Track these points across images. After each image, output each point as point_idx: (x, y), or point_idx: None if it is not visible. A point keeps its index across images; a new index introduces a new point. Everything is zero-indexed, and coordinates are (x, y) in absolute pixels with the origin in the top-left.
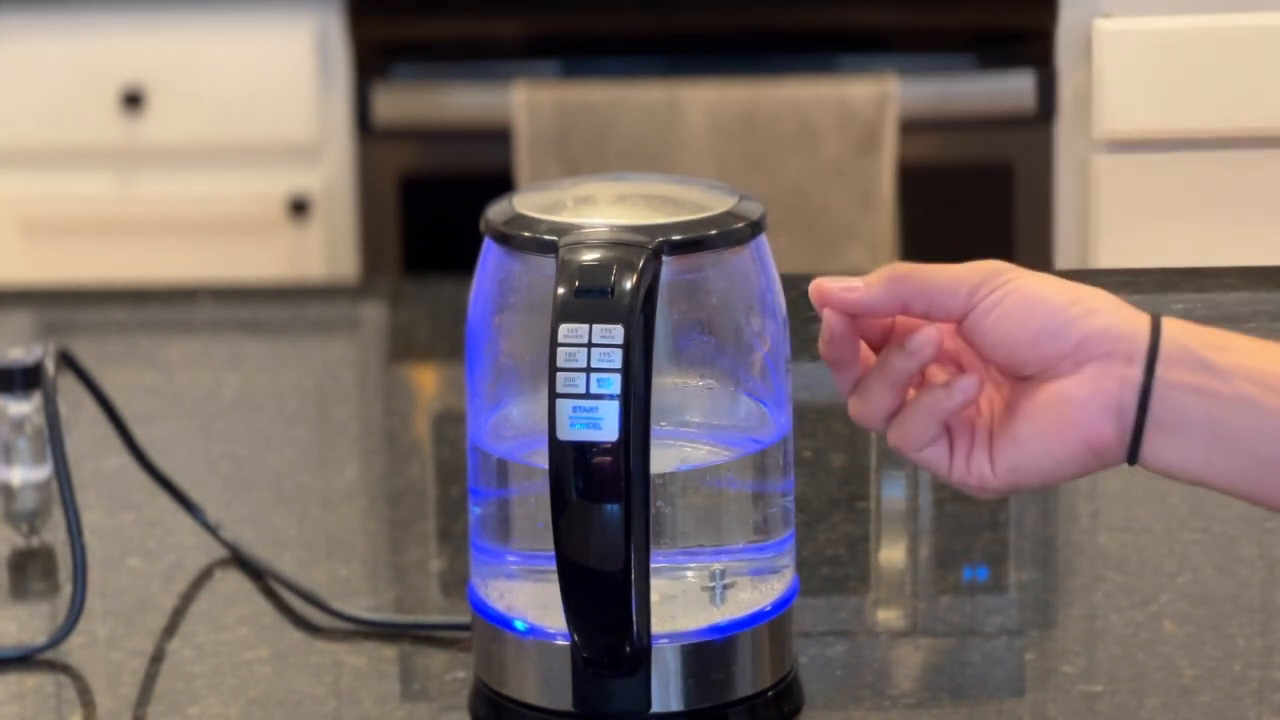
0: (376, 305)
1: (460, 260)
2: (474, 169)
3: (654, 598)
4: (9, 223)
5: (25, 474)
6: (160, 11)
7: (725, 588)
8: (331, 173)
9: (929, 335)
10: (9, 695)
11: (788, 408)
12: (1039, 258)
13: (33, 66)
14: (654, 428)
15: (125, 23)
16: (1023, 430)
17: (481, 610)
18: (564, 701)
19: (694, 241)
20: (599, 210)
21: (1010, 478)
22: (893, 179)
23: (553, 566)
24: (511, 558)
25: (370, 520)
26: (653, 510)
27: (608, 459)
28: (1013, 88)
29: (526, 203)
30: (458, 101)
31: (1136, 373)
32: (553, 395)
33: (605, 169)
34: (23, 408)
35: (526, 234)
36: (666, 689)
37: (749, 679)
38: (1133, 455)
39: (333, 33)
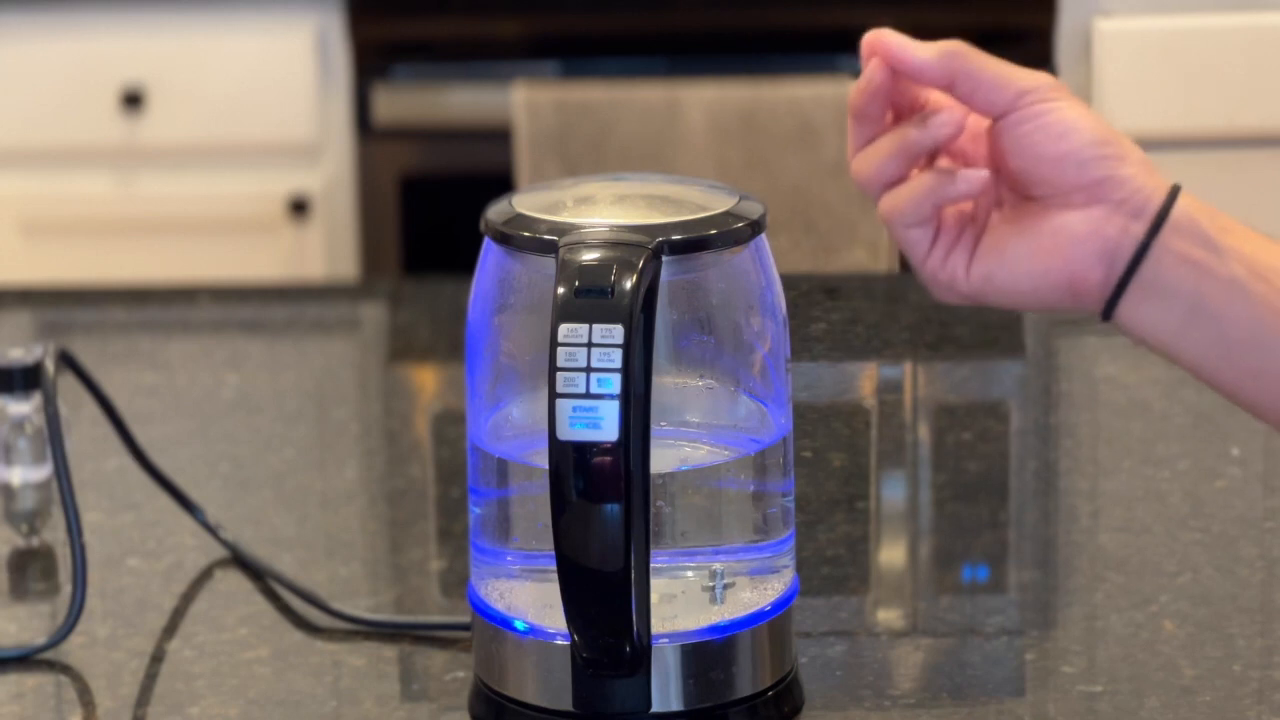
0: (376, 305)
1: (460, 260)
2: (474, 169)
3: (654, 598)
4: (9, 223)
5: (25, 474)
6: (160, 11)
7: (725, 588)
8: (331, 173)
9: (953, 116)
10: (9, 695)
11: (788, 408)
12: None
13: (33, 66)
14: (654, 428)
15: (125, 23)
16: (1013, 245)
17: (481, 610)
18: (564, 701)
19: (694, 241)
20: (599, 210)
21: (981, 286)
22: None
23: (553, 566)
24: (511, 558)
25: (370, 520)
26: (653, 510)
27: (608, 459)
28: None
29: (526, 203)
30: (458, 101)
31: (1140, 229)
32: (553, 395)
33: (605, 169)
34: (23, 408)
35: (526, 234)
36: (666, 689)
37: (749, 679)
38: (1109, 309)
39: (333, 33)
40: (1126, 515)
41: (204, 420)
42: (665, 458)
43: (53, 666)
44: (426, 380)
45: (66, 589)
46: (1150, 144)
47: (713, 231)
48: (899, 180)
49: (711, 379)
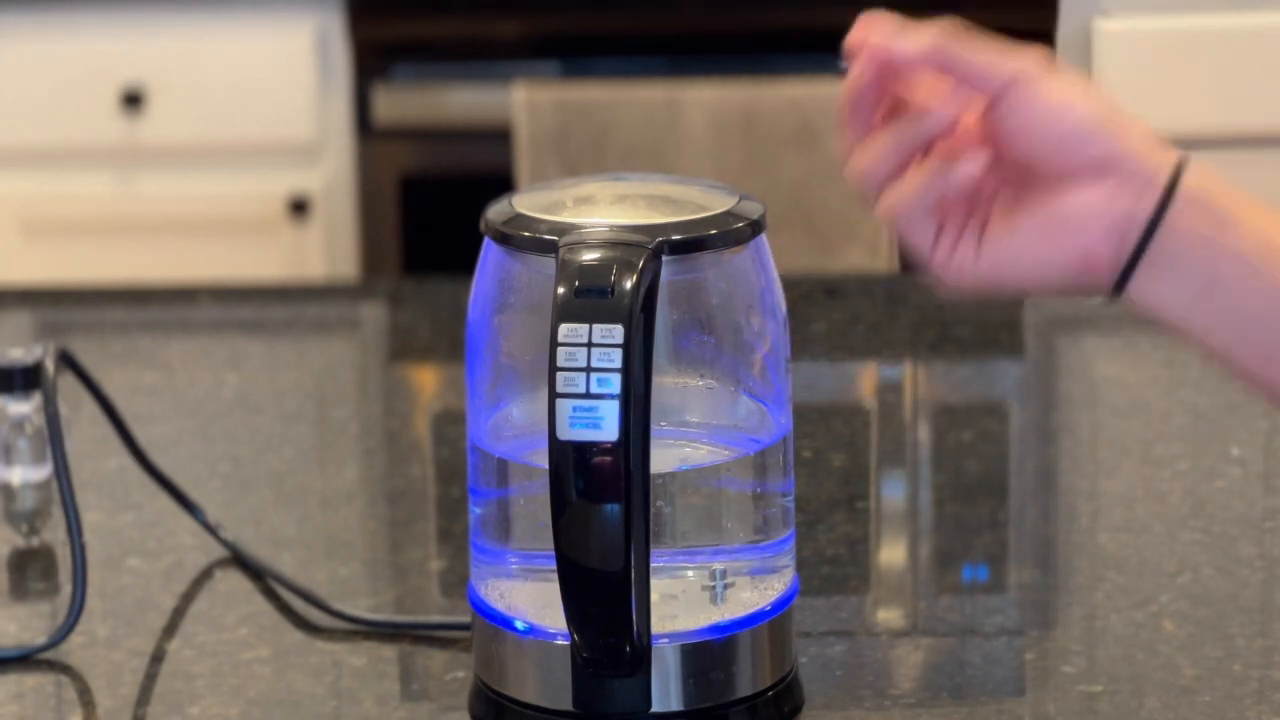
0: (376, 305)
1: (460, 260)
2: (474, 169)
3: (654, 598)
4: (9, 223)
5: (25, 474)
6: (160, 11)
7: (725, 587)
8: (331, 173)
9: (944, 112)
10: (9, 695)
11: (788, 408)
12: None
13: (33, 66)
14: (654, 428)
15: (125, 23)
16: (1021, 228)
17: (481, 610)
18: (564, 701)
19: (694, 241)
20: (599, 210)
21: (991, 272)
22: None
23: (553, 566)
24: (511, 558)
25: (370, 520)
26: (653, 510)
27: (608, 459)
28: None
29: (526, 203)
30: (458, 101)
31: (1149, 204)
32: (553, 395)
33: (605, 169)
34: (23, 408)
35: (526, 234)
36: (666, 689)
37: (749, 679)
38: (1120, 284)
39: (333, 33)
40: (1126, 515)
41: (204, 420)
42: (665, 458)
43: (53, 666)
44: (426, 380)
45: (66, 589)
46: None
47: (713, 231)
48: (897, 176)
49: (711, 379)
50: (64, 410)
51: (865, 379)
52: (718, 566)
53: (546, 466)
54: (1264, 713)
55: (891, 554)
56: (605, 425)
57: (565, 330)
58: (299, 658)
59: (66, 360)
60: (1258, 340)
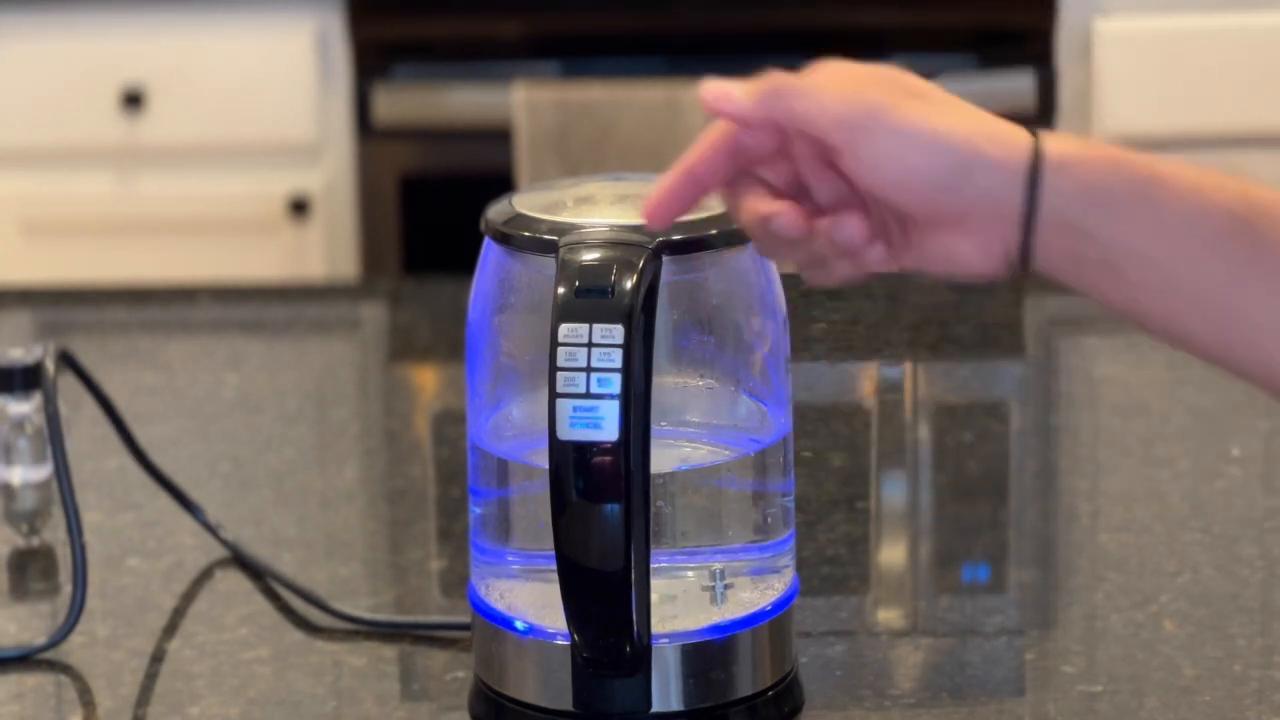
0: (376, 305)
1: (460, 260)
2: (474, 169)
3: (654, 598)
4: (9, 223)
5: (25, 474)
6: (160, 11)
7: (725, 588)
8: (331, 173)
9: (789, 219)
10: (9, 695)
11: (788, 408)
12: None
13: (33, 66)
14: (654, 428)
15: (125, 23)
16: (921, 261)
17: (481, 610)
18: (564, 701)
19: (694, 241)
20: (599, 210)
21: (909, 266)
22: None
23: (553, 566)
24: (511, 558)
25: (370, 520)
26: (653, 510)
27: (608, 459)
28: (1013, 88)
29: (526, 203)
30: (458, 101)
31: (1018, 234)
32: (553, 395)
33: (605, 169)
34: (23, 408)
35: (526, 234)
36: (666, 689)
37: (749, 679)
38: (1025, 269)
39: (333, 33)
40: (1126, 515)
41: (204, 420)
42: (665, 458)
43: (53, 666)
44: (426, 380)
45: (66, 589)
46: (1150, 144)
47: (713, 231)
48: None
49: (712, 379)
50: (64, 410)
51: (865, 379)
52: (718, 566)
53: (546, 466)
54: (1264, 713)
55: (891, 554)
56: (605, 425)
57: (565, 330)
58: (299, 658)
59: (66, 360)
60: (1167, 308)
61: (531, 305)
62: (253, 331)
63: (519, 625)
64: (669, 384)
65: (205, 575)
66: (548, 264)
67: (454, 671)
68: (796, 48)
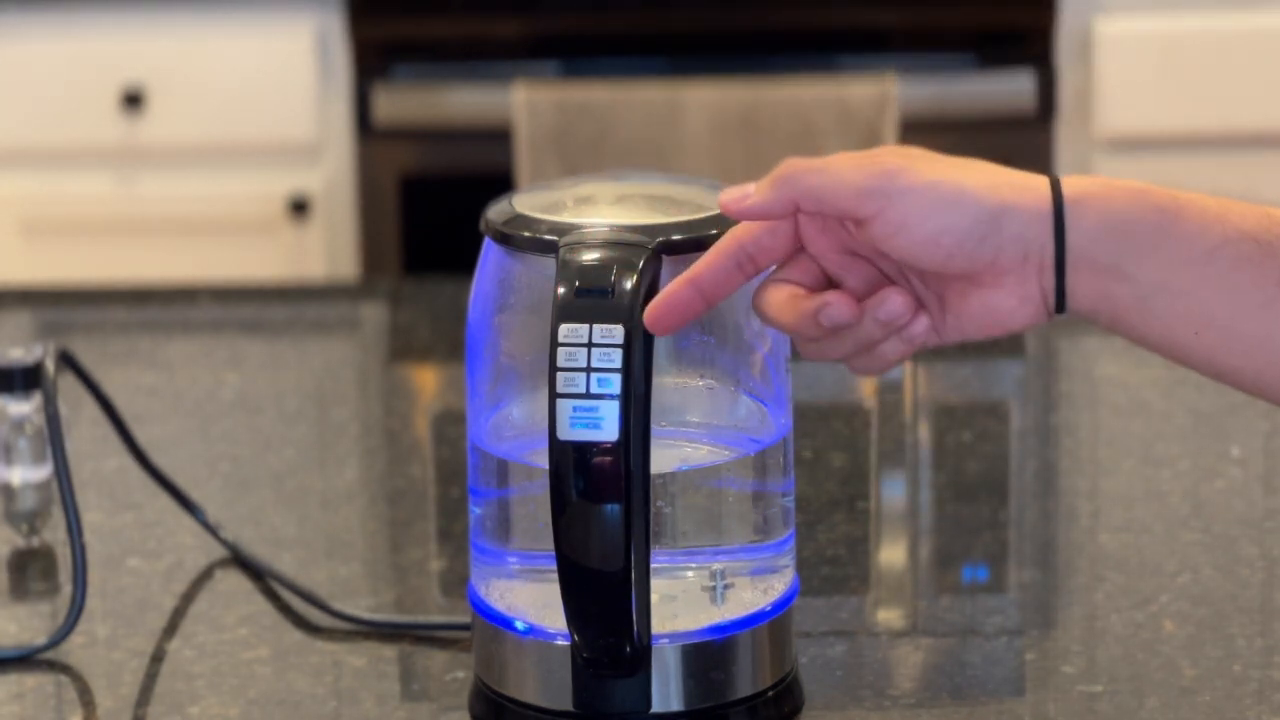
0: (376, 305)
1: (460, 260)
2: (474, 169)
3: (654, 598)
4: (9, 223)
5: (25, 474)
6: (160, 11)
7: (725, 588)
8: (331, 173)
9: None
10: (9, 695)
11: (788, 408)
12: None
13: (33, 66)
14: (654, 428)
15: (125, 23)
16: (963, 326)
17: (481, 610)
18: (564, 701)
19: (694, 241)
20: (599, 210)
21: (958, 337)
22: None
23: (553, 566)
24: (511, 558)
25: (370, 520)
26: (653, 510)
27: (608, 459)
28: (1013, 87)
29: (526, 203)
30: (458, 101)
31: (1051, 277)
32: (553, 395)
33: (605, 169)
34: (23, 408)
35: (526, 234)
36: (666, 689)
37: (749, 679)
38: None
39: (333, 33)
40: (1126, 515)
41: (204, 420)
42: (665, 458)
43: (53, 666)
44: (426, 380)
45: (66, 589)
46: (1150, 144)
47: (713, 231)
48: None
49: (712, 379)
50: (64, 410)
51: (865, 379)
52: (718, 567)
53: (546, 466)
54: (1264, 713)
55: (891, 554)
56: (605, 425)
57: (565, 330)
58: (299, 658)
59: (66, 360)
60: (1206, 343)
61: (531, 305)
62: (253, 331)
63: (519, 625)
64: (669, 384)
65: (205, 575)
66: (548, 264)
67: (454, 671)
68: (797, 48)
